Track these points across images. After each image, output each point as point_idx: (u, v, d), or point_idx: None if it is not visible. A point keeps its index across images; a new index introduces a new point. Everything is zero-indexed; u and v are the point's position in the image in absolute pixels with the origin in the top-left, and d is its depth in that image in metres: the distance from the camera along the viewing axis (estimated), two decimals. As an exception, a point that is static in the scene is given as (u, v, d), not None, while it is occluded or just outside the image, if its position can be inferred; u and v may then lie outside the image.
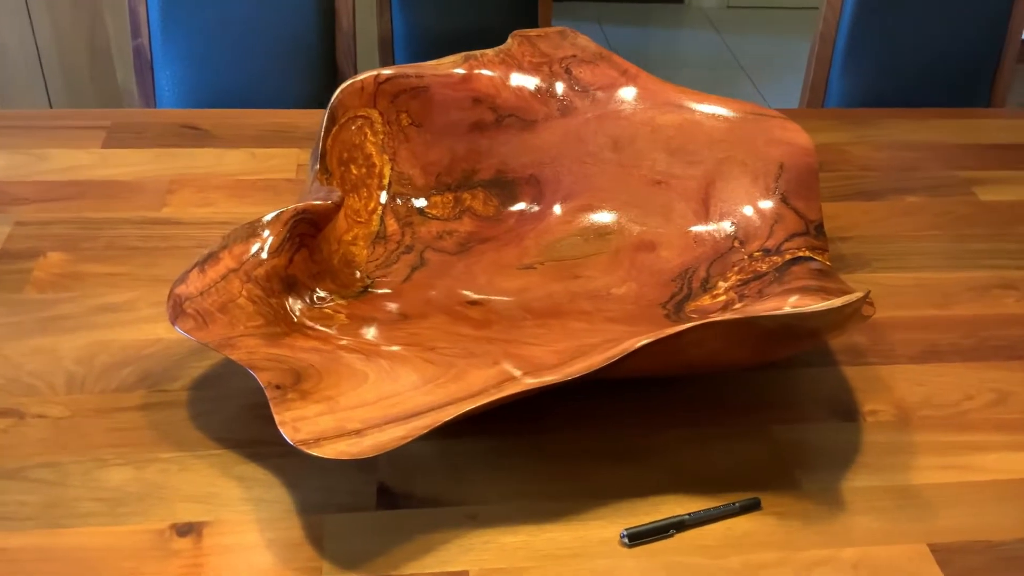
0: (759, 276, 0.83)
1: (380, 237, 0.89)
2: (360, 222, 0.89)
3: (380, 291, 0.84)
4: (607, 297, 0.85)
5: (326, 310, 0.78)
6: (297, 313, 0.76)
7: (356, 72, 1.47)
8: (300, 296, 0.77)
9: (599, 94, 0.94)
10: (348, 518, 0.68)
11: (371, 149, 0.91)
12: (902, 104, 1.51)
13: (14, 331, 0.82)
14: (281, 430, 0.63)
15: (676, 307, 0.83)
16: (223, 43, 1.40)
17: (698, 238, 0.89)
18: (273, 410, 0.65)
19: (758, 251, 0.86)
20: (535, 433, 0.76)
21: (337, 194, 0.79)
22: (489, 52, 0.95)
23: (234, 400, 0.77)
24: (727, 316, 0.66)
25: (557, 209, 0.93)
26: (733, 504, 0.70)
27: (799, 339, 0.71)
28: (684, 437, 0.76)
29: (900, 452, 0.76)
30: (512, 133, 0.94)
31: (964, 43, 1.49)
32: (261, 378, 0.67)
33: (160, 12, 1.37)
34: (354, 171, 0.90)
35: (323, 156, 0.88)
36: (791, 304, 0.73)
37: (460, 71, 0.94)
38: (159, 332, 0.83)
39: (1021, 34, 1.48)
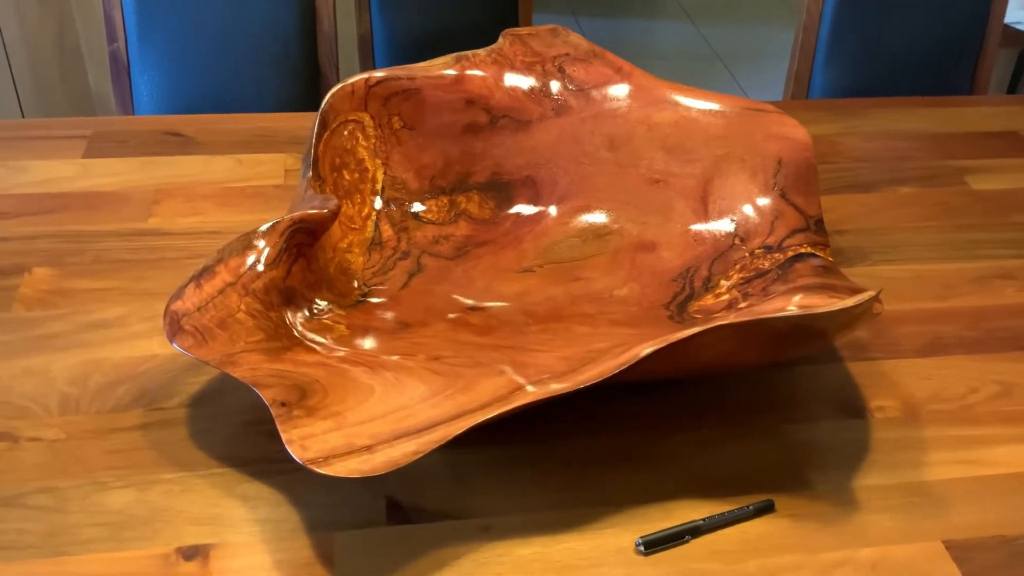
0: (761, 273, 0.82)
1: (375, 243, 0.88)
2: (354, 228, 0.87)
3: (379, 300, 0.82)
4: (609, 299, 0.84)
5: (325, 321, 0.77)
6: (298, 326, 0.74)
7: (338, 74, 1.44)
8: (299, 308, 0.75)
9: (593, 93, 0.93)
10: (358, 535, 0.66)
11: (363, 154, 0.90)
12: (887, 92, 1.51)
13: (4, 351, 0.80)
14: (289, 449, 0.61)
15: (679, 307, 0.82)
16: (201, 46, 1.37)
17: (698, 237, 0.88)
18: (279, 428, 0.63)
19: (759, 248, 0.85)
20: (542, 440, 0.74)
21: (333, 202, 0.77)
22: (481, 52, 0.94)
23: (234, 416, 0.75)
24: (736, 317, 0.66)
25: (554, 210, 0.92)
26: (747, 507, 0.69)
27: (810, 339, 0.70)
28: (692, 440, 0.75)
29: (909, 448, 0.76)
30: (506, 134, 0.93)
31: (947, 28, 1.50)
32: (266, 395, 0.65)
33: (136, 16, 1.34)
34: (347, 176, 0.88)
35: (315, 162, 0.86)
36: (797, 303, 0.73)
37: (452, 72, 0.92)
38: (153, 348, 0.81)
39: (1003, 18, 1.49)
